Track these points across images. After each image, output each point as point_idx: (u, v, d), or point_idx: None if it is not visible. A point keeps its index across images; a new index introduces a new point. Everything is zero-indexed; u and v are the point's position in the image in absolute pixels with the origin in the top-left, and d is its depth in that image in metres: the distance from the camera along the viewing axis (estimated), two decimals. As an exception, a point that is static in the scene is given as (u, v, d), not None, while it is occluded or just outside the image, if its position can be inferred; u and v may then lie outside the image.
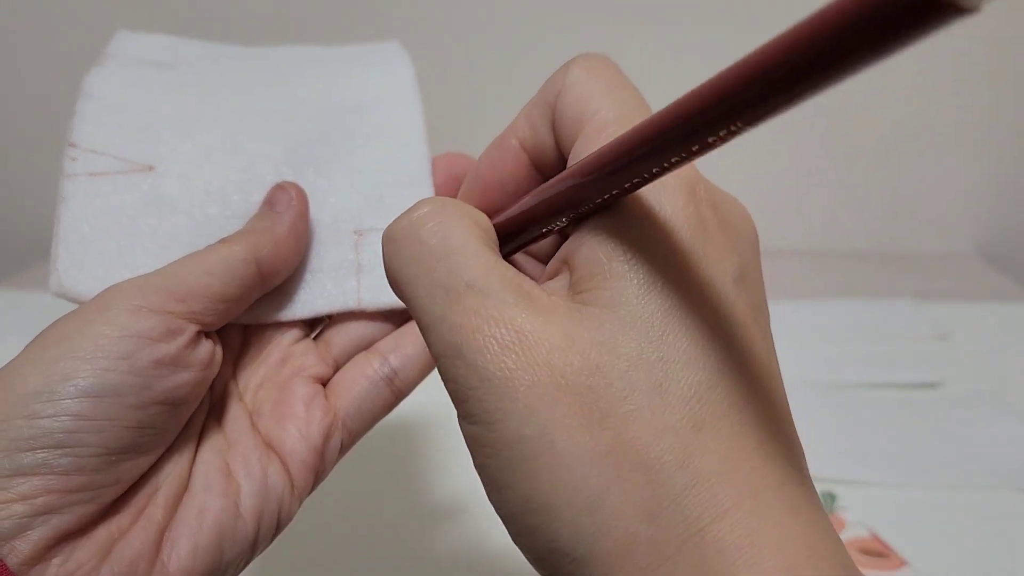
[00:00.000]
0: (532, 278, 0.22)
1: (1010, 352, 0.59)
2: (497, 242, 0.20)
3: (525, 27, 0.74)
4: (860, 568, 0.42)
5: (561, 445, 0.15)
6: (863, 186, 0.80)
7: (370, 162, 0.31)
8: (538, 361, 0.16)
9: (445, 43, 0.74)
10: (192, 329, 0.23)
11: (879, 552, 0.39)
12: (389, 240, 0.19)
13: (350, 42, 0.35)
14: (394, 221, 0.19)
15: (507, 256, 0.21)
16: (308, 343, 0.29)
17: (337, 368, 0.29)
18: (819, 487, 0.43)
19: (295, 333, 0.29)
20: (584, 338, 0.16)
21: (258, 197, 0.29)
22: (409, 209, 0.19)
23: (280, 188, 0.28)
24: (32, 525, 0.20)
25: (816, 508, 0.16)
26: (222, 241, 0.26)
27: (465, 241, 0.18)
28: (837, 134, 0.77)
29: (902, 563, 0.38)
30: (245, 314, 0.27)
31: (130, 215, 0.28)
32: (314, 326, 0.30)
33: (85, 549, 0.21)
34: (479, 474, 0.17)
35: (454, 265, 0.17)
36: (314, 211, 0.30)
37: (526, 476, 0.16)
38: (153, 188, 0.28)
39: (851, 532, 0.40)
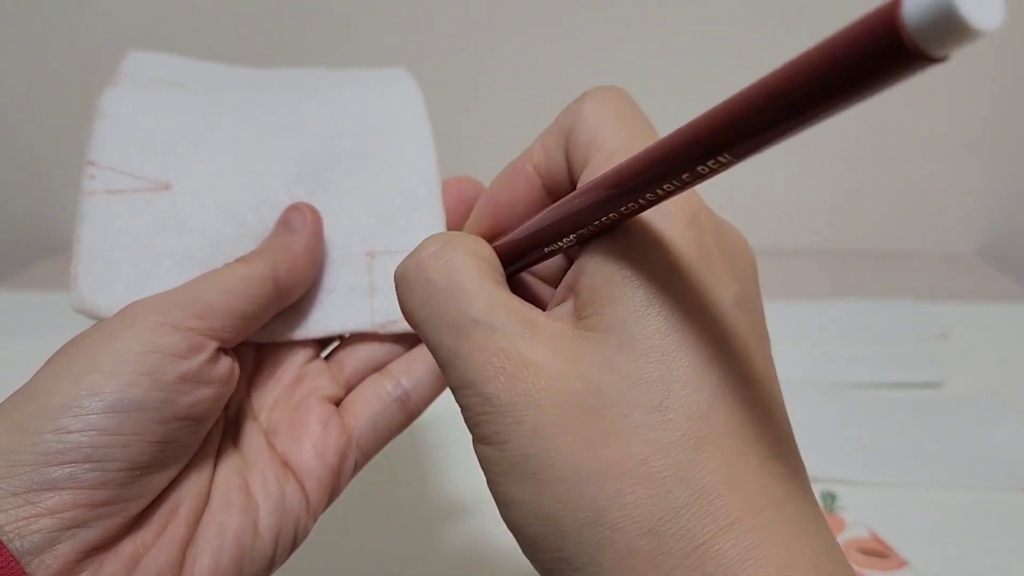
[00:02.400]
0: (542, 301, 0.23)
1: (1010, 352, 0.59)
2: (502, 270, 0.20)
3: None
4: (860, 568, 0.42)
5: (563, 463, 0.16)
6: (864, 186, 0.80)
7: (381, 185, 0.31)
8: (543, 387, 0.17)
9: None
10: (212, 346, 0.24)
11: (879, 552, 0.39)
12: (401, 281, 0.20)
13: (355, 66, 0.36)
14: (404, 260, 0.20)
15: (514, 275, 0.22)
16: (320, 363, 0.29)
17: (349, 389, 0.29)
18: (819, 487, 0.44)
19: (307, 353, 0.29)
20: (586, 362, 0.17)
21: (271, 217, 0.29)
22: (417, 248, 0.20)
23: (294, 208, 0.29)
24: (60, 539, 0.20)
25: (820, 526, 0.17)
26: (240, 260, 0.27)
27: (470, 278, 0.19)
28: (839, 135, 0.77)
29: (902, 563, 0.38)
30: (260, 332, 0.28)
31: (148, 233, 0.28)
32: (325, 346, 0.30)
33: (112, 563, 0.21)
34: (491, 490, 0.18)
35: (461, 304, 0.18)
36: (327, 232, 0.30)
37: (532, 492, 0.17)
38: (170, 207, 0.29)
39: (851, 532, 0.41)
